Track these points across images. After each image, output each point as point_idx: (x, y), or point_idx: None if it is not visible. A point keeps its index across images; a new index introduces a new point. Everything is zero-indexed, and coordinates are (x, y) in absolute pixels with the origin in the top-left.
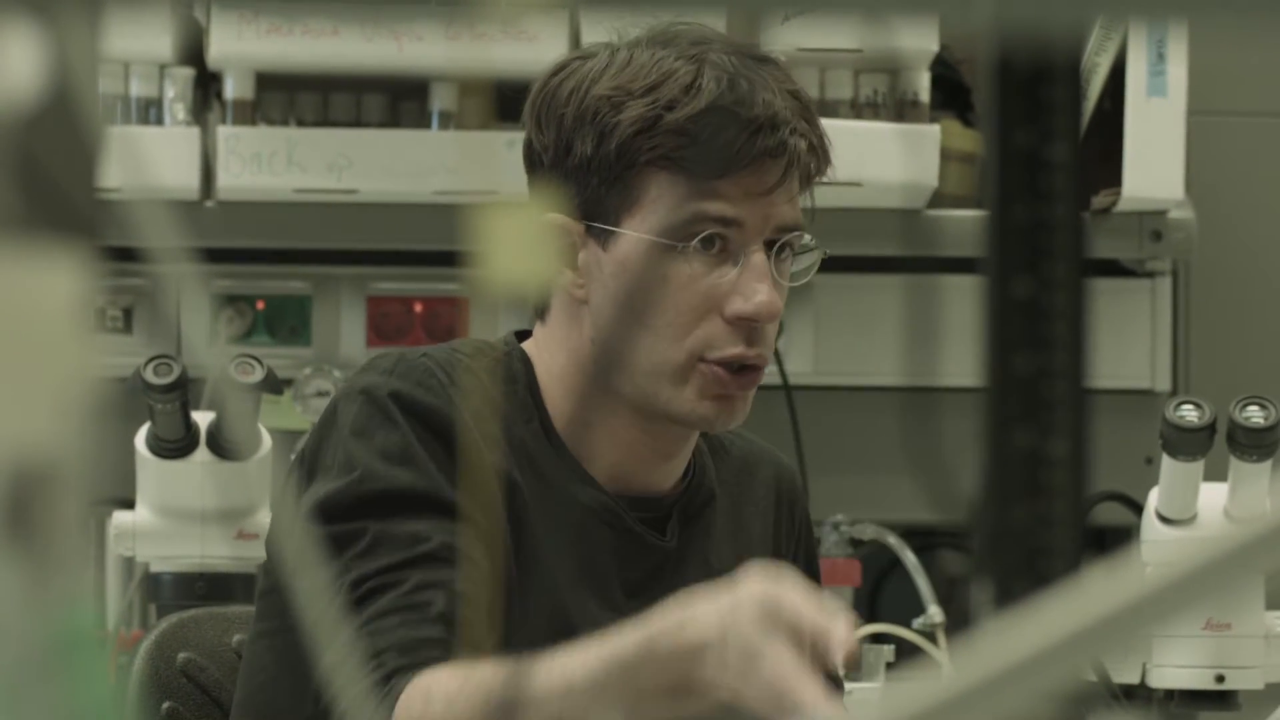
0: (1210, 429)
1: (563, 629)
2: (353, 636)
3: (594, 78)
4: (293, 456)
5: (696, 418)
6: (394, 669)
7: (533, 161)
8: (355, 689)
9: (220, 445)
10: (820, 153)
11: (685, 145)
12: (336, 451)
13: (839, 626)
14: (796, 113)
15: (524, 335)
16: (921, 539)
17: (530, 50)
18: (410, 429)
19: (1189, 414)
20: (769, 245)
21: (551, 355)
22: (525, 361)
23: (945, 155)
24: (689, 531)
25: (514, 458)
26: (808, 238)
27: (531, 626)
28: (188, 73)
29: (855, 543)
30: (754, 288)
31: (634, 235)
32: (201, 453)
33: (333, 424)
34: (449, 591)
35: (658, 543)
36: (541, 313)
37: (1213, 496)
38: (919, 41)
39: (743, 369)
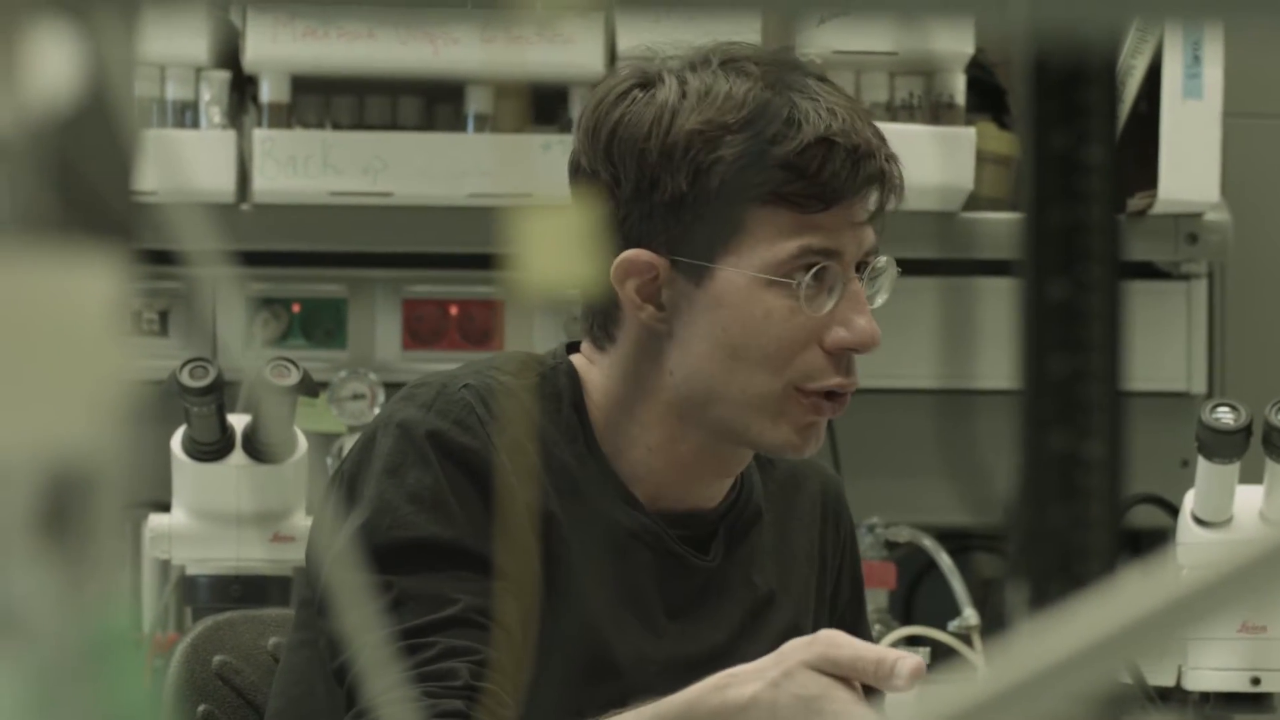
0: (1246, 431)
1: (601, 655)
2: (370, 703)
3: (674, 109)
4: (330, 472)
5: (788, 447)
6: None
7: (596, 186)
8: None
9: (256, 448)
10: (902, 179)
11: (793, 180)
12: (369, 485)
13: (898, 656)
14: (879, 137)
15: (574, 346)
16: (957, 541)
17: (565, 53)
18: (444, 471)
19: (1224, 416)
20: (858, 269)
21: (611, 380)
22: (572, 376)
23: (981, 158)
24: (733, 549)
25: (554, 482)
26: (884, 259)
27: (568, 654)
28: (223, 76)
29: (891, 545)
30: (855, 317)
31: (735, 271)
32: (237, 455)
33: (370, 452)
34: (474, 661)
35: (700, 563)
36: (602, 334)
37: (1248, 499)
38: (954, 44)
39: (831, 394)
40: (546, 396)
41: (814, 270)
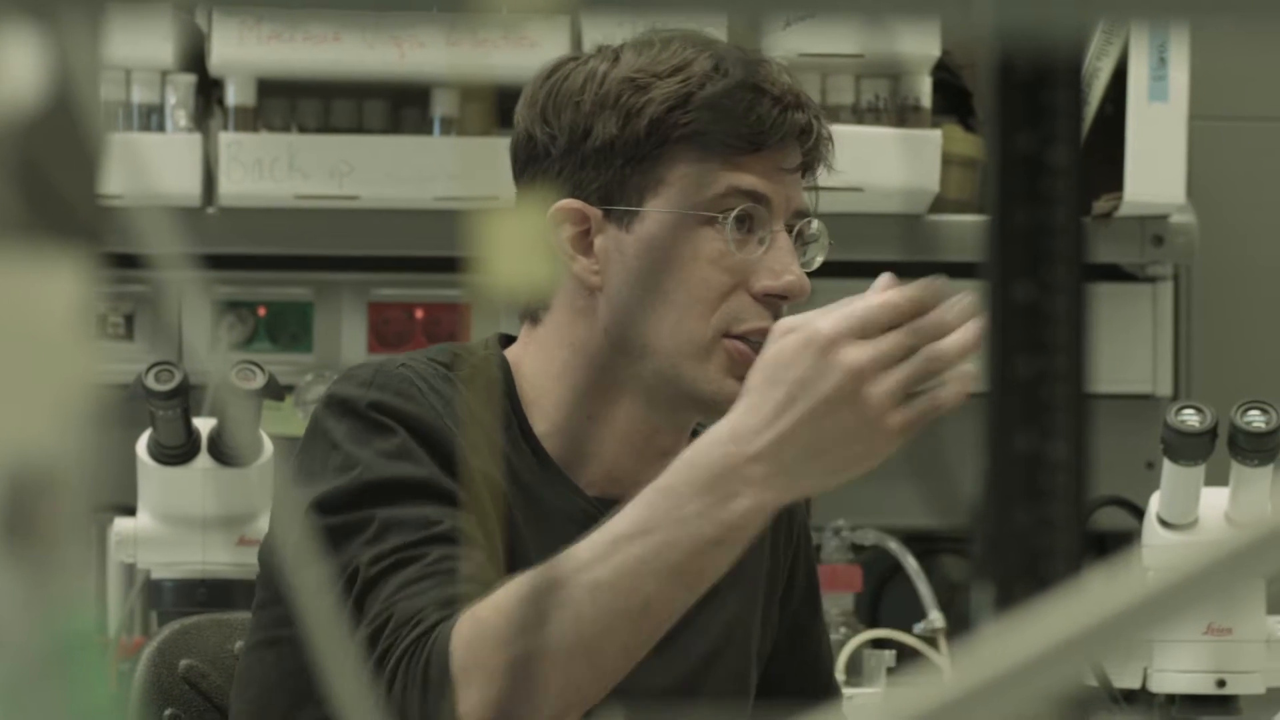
0: (1211, 433)
1: None
2: (380, 608)
3: (606, 70)
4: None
5: (722, 396)
6: (437, 620)
7: (533, 155)
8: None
9: (222, 451)
10: (831, 141)
11: (719, 120)
12: (329, 457)
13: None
14: (810, 101)
15: (509, 340)
16: (922, 544)
17: (531, 56)
18: (396, 434)
19: (1190, 418)
20: (788, 229)
21: (547, 355)
22: (504, 367)
23: (947, 160)
24: None
25: (495, 464)
26: (816, 225)
27: None
28: (189, 79)
29: (856, 548)
30: (784, 264)
31: (661, 213)
32: (203, 459)
33: (316, 435)
34: (472, 564)
35: None
36: (534, 314)
37: (1214, 501)
38: (920, 46)
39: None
40: (480, 387)
41: (739, 209)
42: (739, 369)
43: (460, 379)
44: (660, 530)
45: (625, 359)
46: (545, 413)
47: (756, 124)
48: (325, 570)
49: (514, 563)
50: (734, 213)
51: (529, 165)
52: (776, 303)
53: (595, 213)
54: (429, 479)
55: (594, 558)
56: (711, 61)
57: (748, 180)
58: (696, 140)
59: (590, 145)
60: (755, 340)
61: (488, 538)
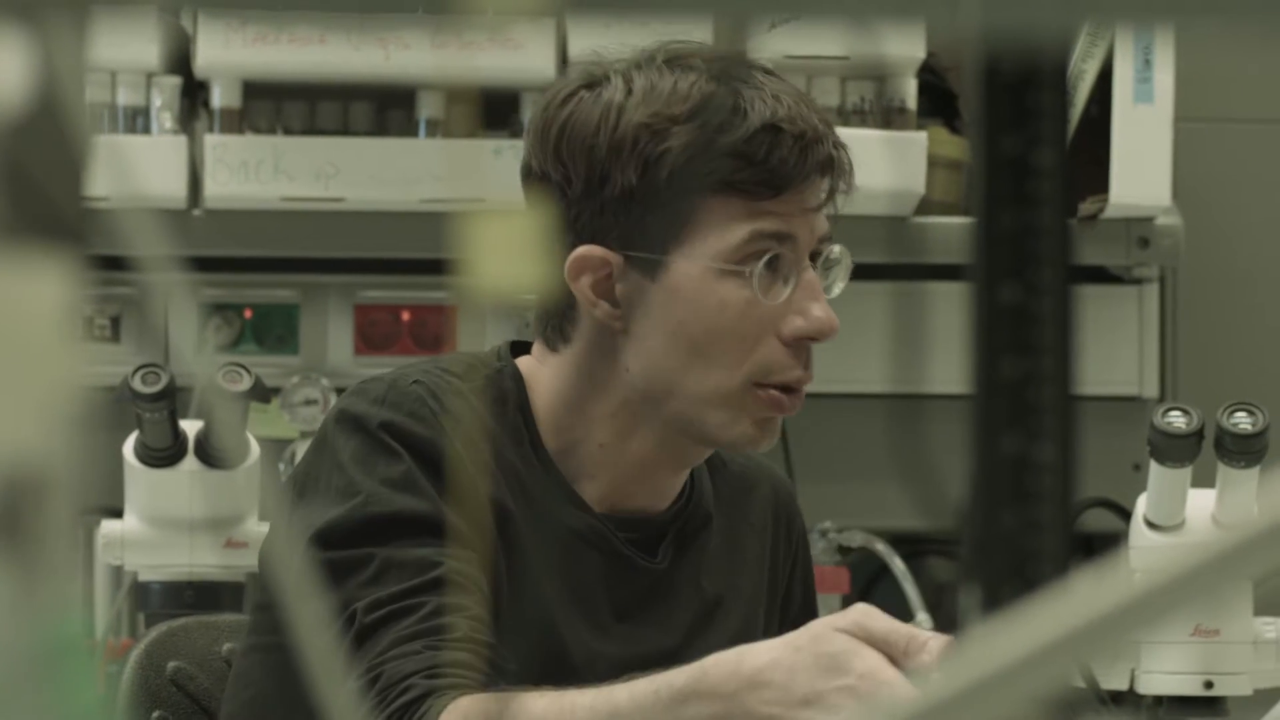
0: (1198, 435)
1: (555, 650)
2: (371, 662)
3: (620, 105)
4: (283, 478)
5: (744, 441)
6: (424, 691)
7: (546, 187)
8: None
9: (208, 454)
10: (851, 166)
11: (741, 168)
12: (333, 477)
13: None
14: (827, 125)
15: (519, 346)
16: (910, 546)
17: (516, 58)
18: (405, 461)
19: (1177, 420)
20: (812, 259)
21: (565, 382)
22: (517, 379)
23: (932, 162)
24: (682, 552)
25: (505, 482)
26: (838, 249)
27: (523, 652)
28: (174, 81)
29: (843, 550)
30: (811, 305)
31: (688, 262)
32: (189, 461)
33: (324, 449)
34: (469, 615)
35: (648, 564)
36: (556, 335)
37: (1201, 502)
38: (905, 48)
39: (789, 388)
40: (492, 399)
41: (767, 257)
42: (767, 414)
43: (473, 391)
44: None
45: (646, 400)
46: (556, 432)
47: (779, 167)
48: (323, 603)
49: (515, 580)
50: (761, 262)
51: (544, 200)
52: (806, 343)
53: (616, 259)
54: (431, 513)
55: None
56: (730, 100)
57: (772, 223)
58: (720, 188)
59: (609, 192)
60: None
61: (486, 573)
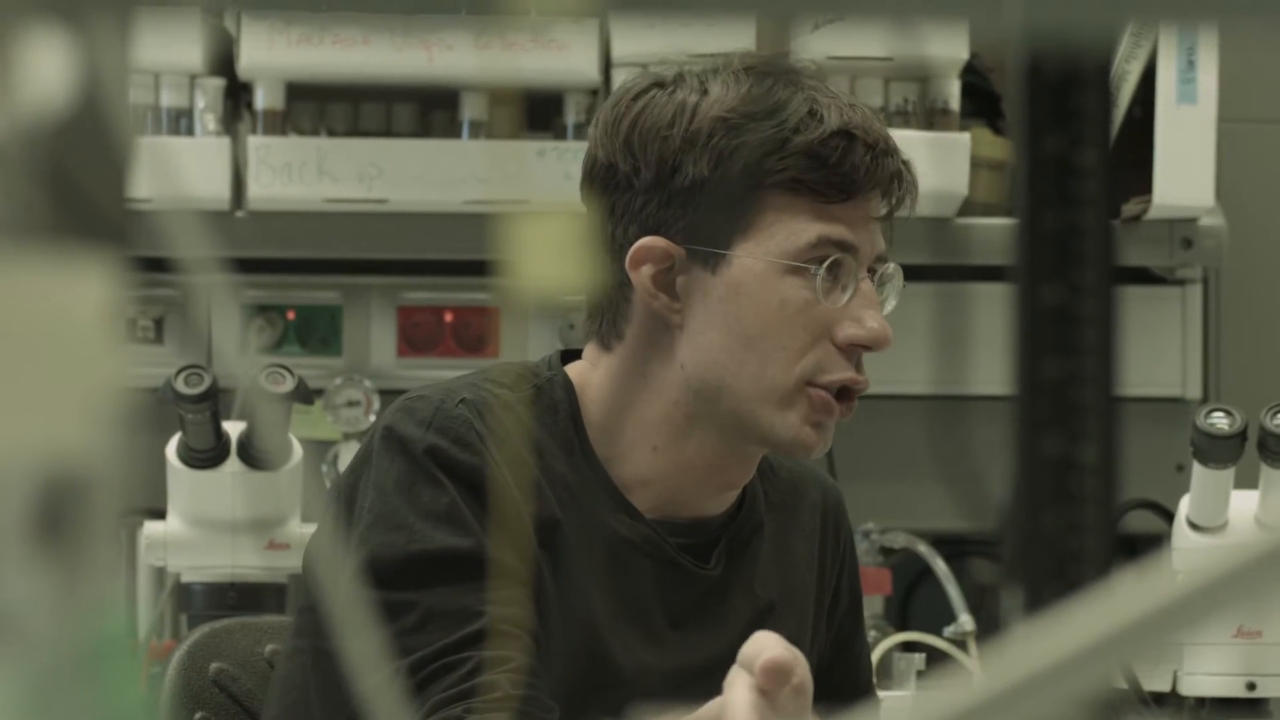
0: (1241, 436)
1: (604, 664)
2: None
3: (695, 104)
4: (325, 480)
5: (798, 444)
6: None
7: (613, 184)
8: None
9: (251, 455)
10: (916, 187)
11: (814, 169)
12: (377, 502)
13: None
14: (894, 142)
15: (569, 355)
16: (952, 547)
17: (560, 59)
18: (450, 490)
19: (1219, 421)
20: (870, 273)
21: (618, 384)
22: (568, 388)
23: (975, 163)
24: (735, 559)
25: (555, 494)
26: (893, 266)
27: (573, 662)
28: (218, 83)
29: (886, 551)
30: (867, 314)
31: (753, 259)
32: (232, 463)
33: (368, 466)
34: (511, 670)
35: (701, 571)
36: (605, 339)
37: (1243, 504)
38: (949, 49)
39: (842, 394)
40: (542, 408)
41: (830, 260)
42: (819, 416)
43: (521, 402)
44: None
45: (700, 397)
46: (610, 438)
47: (850, 172)
48: (366, 623)
49: (564, 592)
50: (825, 264)
51: (606, 192)
52: (858, 351)
53: (679, 251)
54: (474, 550)
55: None
56: (806, 105)
57: (838, 230)
58: (790, 187)
59: (678, 183)
60: (840, 393)
61: (531, 604)
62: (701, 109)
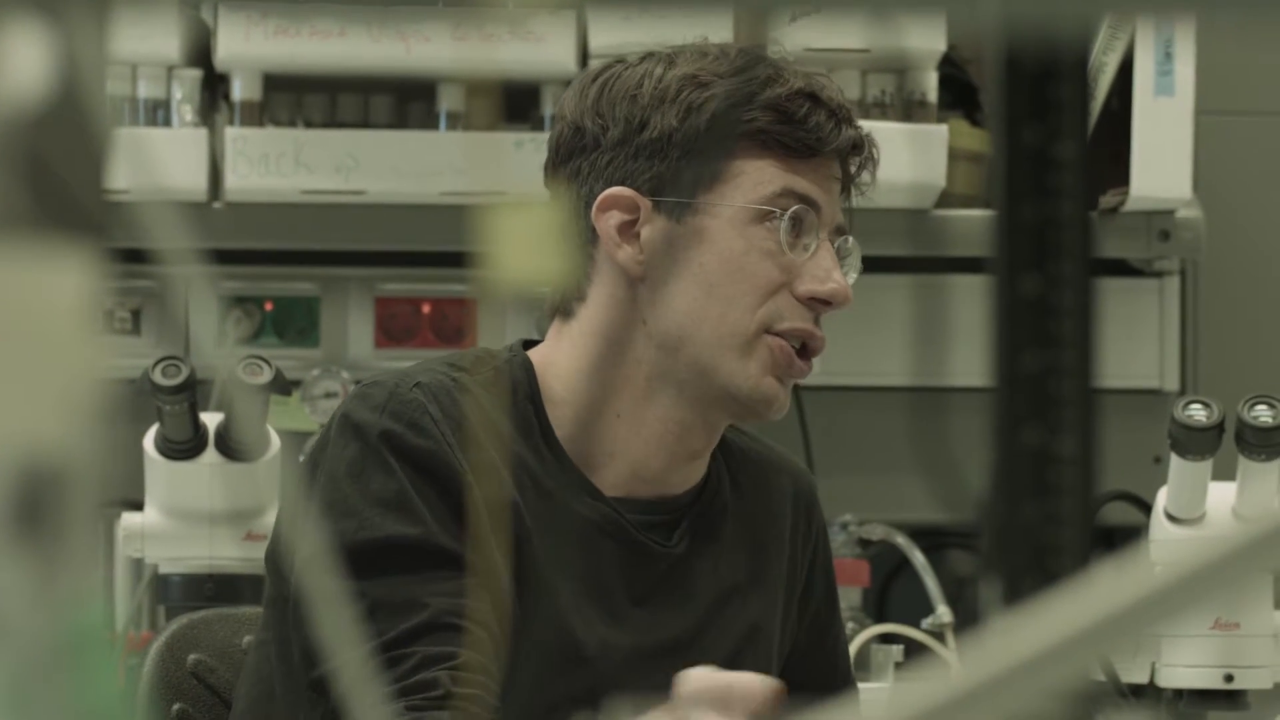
0: (1219, 428)
1: (569, 644)
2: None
3: (663, 71)
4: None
5: (758, 395)
6: None
7: (579, 146)
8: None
9: (229, 446)
10: (876, 163)
11: (780, 121)
12: (330, 490)
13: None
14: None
15: (530, 345)
16: (930, 539)
17: (537, 51)
18: (404, 474)
19: (1197, 413)
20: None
21: (578, 349)
22: (527, 368)
23: (953, 155)
24: (699, 538)
25: (513, 476)
26: (851, 242)
27: (536, 646)
28: (195, 74)
29: (864, 543)
30: (828, 271)
31: (718, 205)
32: (210, 454)
33: (324, 454)
34: (452, 666)
35: (663, 549)
36: (567, 308)
37: (1221, 496)
38: (926, 41)
39: (802, 352)
40: (501, 390)
41: (794, 209)
42: (778, 367)
43: (478, 384)
44: None
45: (662, 351)
46: (571, 414)
47: (815, 129)
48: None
49: (525, 575)
50: (789, 211)
51: (572, 157)
52: (818, 306)
53: (645, 203)
54: (421, 539)
55: None
56: (771, 68)
57: (802, 184)
58: (756, 138)
59: (646, 136)
60: (794, 339)
61: (488, 589)
62: (670, 73)
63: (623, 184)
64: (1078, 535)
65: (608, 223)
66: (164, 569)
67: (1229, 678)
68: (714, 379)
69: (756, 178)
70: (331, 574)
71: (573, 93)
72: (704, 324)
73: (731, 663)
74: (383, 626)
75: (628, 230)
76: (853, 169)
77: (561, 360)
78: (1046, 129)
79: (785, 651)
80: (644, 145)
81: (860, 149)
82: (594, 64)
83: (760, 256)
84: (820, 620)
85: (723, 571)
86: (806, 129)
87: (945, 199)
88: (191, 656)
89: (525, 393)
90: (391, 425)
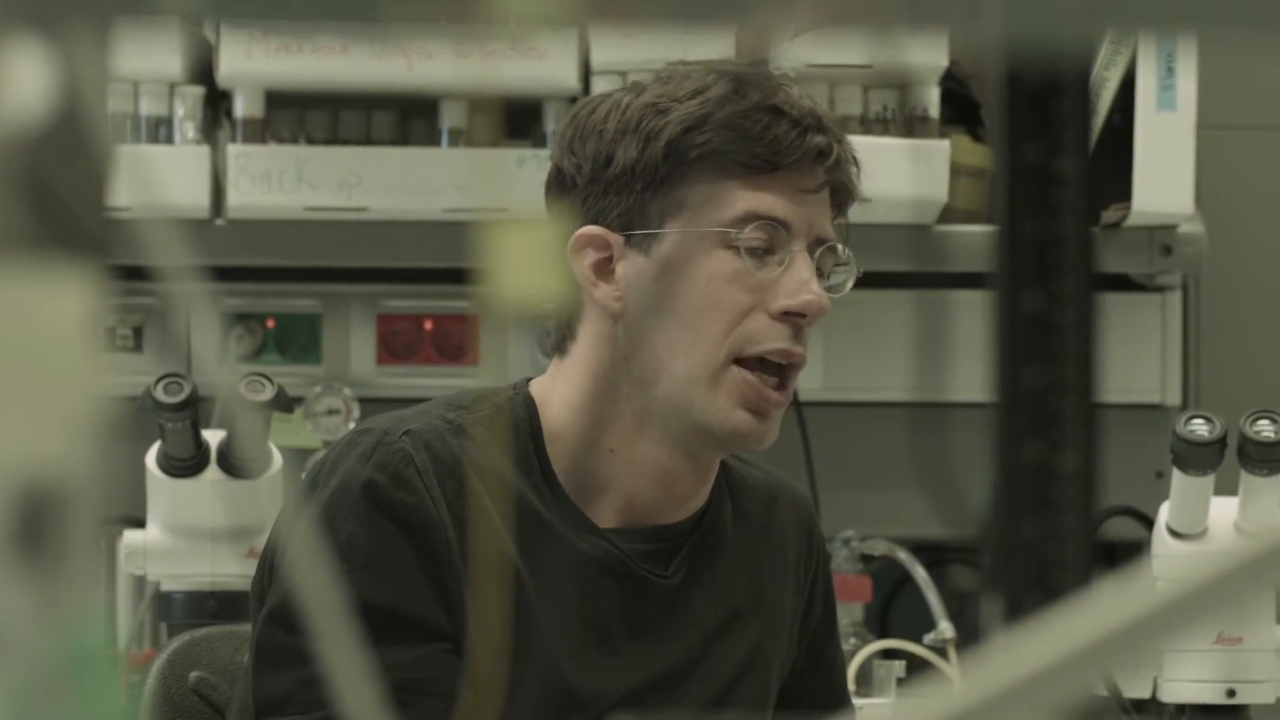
0: (1220, 443)
1: (564, 688)
2: None
3: (630, 100)
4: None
5: (732, 430)
6: None
7: (563, 185)
8: None
9: (231, 463)
10: (856, 165)
11: (735, 141)
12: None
13: None
14: (837, 129)
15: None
16: (932, 554)
17: (539, 68)
18: (378, 528)
19: (1199, 428)
20: (810, 253)
21: (572, 386)
22: (529, 404)
23: (955, 170)
24: (697, 567)
25: (515, 514)
26: (844, 250)
27: (535, 689)
28: (197, 91)
29: (866, 558)
30: (802, 283)
31: (680, 232)
32: (212, 471)
33: (310, 489)
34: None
35: (660, 580)
36: (562, 346)
37: (1223, 511)
38: (928, 57)
39: (778, 372)
40: (501, 427)
41: (756, 226)
42: (749, 401)
43: (477, 421)
44: None
45: (641, 388)
46: (567, 448)
47: (773, 144)
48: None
49: (522, 617)
50: (749, 227)
51: (559, 197)
52: (796, 321)
53: (617, 239)
54: (383, 606)
55: None
56: (731, 85)
57: (766, 202)
58: (713, 160)
59: (612, 172)
60: (771, 364)
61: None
62: (635, 103)
63: (595, 222)
64: (1079, 551)
65: (583, 262)
66: (166, 586)
67: (1231, 693)
68: (688, 415)
69: (718, 201)
70: (284, 631)
71: (556, 134)
72: (676, 358)
73: (729, 689)
74: (324, 700)
75: (604, 268)
76: (830, 174)
77: (558, 396)
78: (1048, 145)
79: (785, 673)
80: (611, 181)
81: (828, 154)
82: (581, 99)
83: (725, 282)
84: (818, 640)
85: (721, 599)
86: (764, 144)
87: (947, 214)
88: (193, 674)
89: (526, 429)
90: (375, 476)
